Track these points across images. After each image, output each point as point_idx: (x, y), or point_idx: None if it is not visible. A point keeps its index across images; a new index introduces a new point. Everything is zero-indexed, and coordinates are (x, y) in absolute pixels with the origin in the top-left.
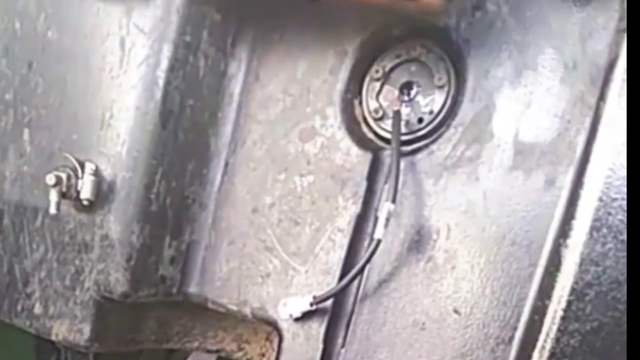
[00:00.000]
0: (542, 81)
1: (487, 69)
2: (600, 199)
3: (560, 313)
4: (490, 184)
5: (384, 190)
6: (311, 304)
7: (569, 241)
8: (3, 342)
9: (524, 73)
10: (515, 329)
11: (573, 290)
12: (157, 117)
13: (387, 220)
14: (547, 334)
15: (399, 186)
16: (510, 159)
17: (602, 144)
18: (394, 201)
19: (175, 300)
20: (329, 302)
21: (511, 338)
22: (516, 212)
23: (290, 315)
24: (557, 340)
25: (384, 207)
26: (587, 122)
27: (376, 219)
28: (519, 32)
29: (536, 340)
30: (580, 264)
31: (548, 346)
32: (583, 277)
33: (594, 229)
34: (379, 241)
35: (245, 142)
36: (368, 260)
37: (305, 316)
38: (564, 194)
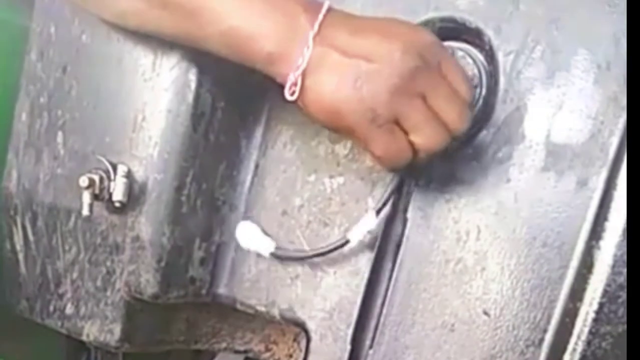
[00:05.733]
0: (575, 82)
1: (519, 70)
2: None
3: (592, 315)
4: (521, 185)
5: (414, 192)
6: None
7: (601, 243)
8: (33, 343)
9: (557, 74)
10: (545, 331)
11: (605, 293)
12: (188, 119)
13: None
14: (578, 337)
15: (429, 188)
16: (542, 161)
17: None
18: (378, 213)
19: (204, 302)
20: (357, 304)
21: (541, 340)
22: (547, 213)
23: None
24: (589, 343)
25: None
26: (621, 123)
27: (405, 220)
28: (551, 32)
29: (567, 343)
30: (613, 266)
31: (579, 349)
32: (615, 279)
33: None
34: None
35: (275, 144)
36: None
37: (332, 317)
38: (596, 196)
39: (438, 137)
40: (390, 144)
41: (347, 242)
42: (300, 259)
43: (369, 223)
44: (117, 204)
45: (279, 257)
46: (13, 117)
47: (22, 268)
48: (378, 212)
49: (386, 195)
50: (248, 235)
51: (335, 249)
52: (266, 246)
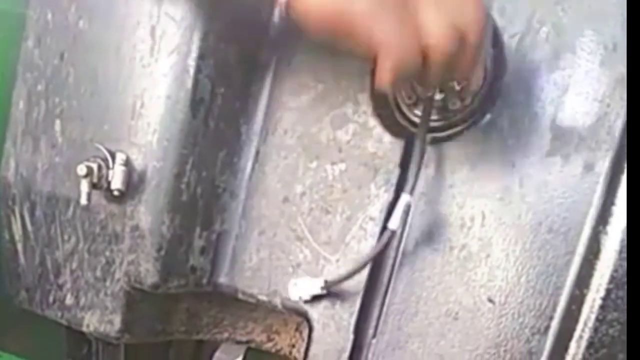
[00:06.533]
0: (581, 64)
1: (525, 52)
2: None
3: (598, 302)
4: (526, 170)
5: (418, 177)
6: (322, 288)
7: (608, 228)
8: (33, 334)
9: (562, 56)
10: (551, 318)
11: (612, 279)
12: (187, 105)
13: (405, 212)
14: (585, 324)
15: (433, 173)
16: (547, 144)
17: None
18: (411, 192)
19: (205, 291)
20: (359, 292)
21: (547, 328)
22: (553, 198)
23: (300, 298)
24: (596, 329)
25: (402, 198)
26: None
27: (408, 206)
28: (557, 14)
29: (573, 330)
30: (620, 252)
31: (586, 336)
32: (622, 265)
33: None
34: (393, 232)
35: (276, 130)
36: (381, 250)
37: (334, 305)
38: (603, 180)
39: (450, 35)
40: (398, 27)
41: (393, 233)
42: (354, 274)
43: (405, 205)
44: (116, 193)
45: (333, 285)
46: (10, 105)
47: (21, 258)
48: (411, 192)
49: (414, 176)
50: (298, 291)
51: (385, 246)
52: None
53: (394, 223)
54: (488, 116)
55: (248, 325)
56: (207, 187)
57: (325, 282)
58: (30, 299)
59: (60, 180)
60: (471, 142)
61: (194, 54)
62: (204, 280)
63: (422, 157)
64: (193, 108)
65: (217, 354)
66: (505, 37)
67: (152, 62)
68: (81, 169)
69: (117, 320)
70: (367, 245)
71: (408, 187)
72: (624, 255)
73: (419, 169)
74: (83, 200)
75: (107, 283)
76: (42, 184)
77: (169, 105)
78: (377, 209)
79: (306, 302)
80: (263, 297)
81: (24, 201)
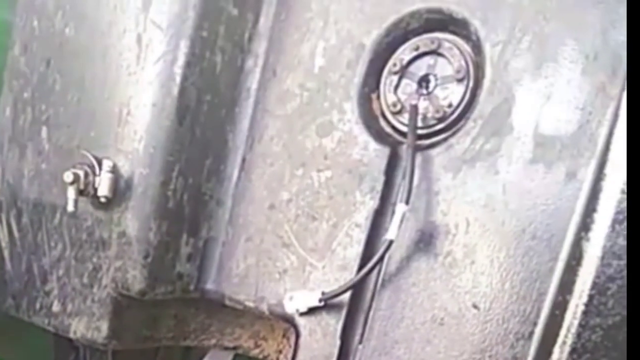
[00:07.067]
0: (563, 72)
1: (507, 61)
2: (623, 191)
3: (581, 308)
4: (510, 177)
5: (402, 185)
6: (320, 300)
7: (590, 234)
8: (21, 341)
9: (544, 65)
10: (535, 324)
11: (595, 285)
12: (173, 113)
13: (401, 221)
14: (568, 329)
15: (417, 181)
16: (530, 152)
17: (624, 136)
18: (407, 202)
19: (193, 298)
20: (346, 298)
21: (531, 333)
22: (536, 205)
23: (297, 310)
24: (579, 335)
25: (398, 208)
26: (609, 113)
27: (394, 214)
28: (539, 23)
29: (557, 335)
30: (602, 258)
31: (569, 341)
32: (605, 271)
33: (616, 221)
34: (390, 242)
35: (262, 138)
36: (379, 261)
37: (318, 312)
38: (586, 187)
39: None
40: None
41: (391, 242)
42: (352, 287)
43: (402, 215)
44: (103, 199)
45: (331, 298)
46: None
47: (8, 265)
48: (407, 201)
49: (407, 185)
50: (295, 304)
51: (383, 255)
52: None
53: (392, 233)
54: (471, 124)
55: (235, 332)
56: (194, 194)
57: (323, 293)
58: (17, 306)
59: (47, 187)
60: (455, 150)
61: (180, 61)
62: (191, 287)
63: (413, 167)
64: (179, 115)
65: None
66: (488, 46)
67: (139, 70)
68: (68, 176)
69: (105, 326)
70: (353, 252)
71: (403, 196)
72: (606, 261)
73: (411, 178)
74: (70, 207)
75: (94, 290)
76: (28, 191)
77: (155, 113)
78: (362, 216)
79: (314, 316)
80: (250, 304)
81: (11, 208)
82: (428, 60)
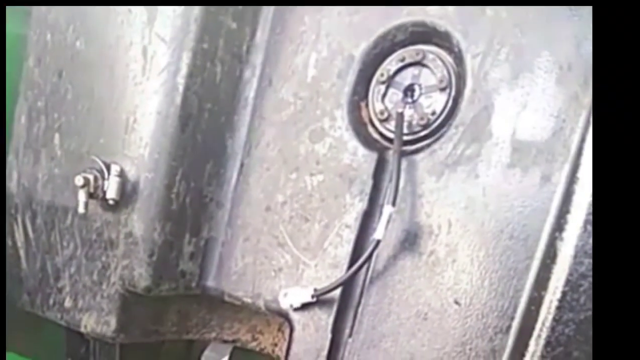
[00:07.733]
0: (538, 82)
1: (486, 71)
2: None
3: (555, 303)
4: (489, 181)
5: (389, 187)
6: (312, 297)
7: (564, 234)
8: (36, 335)
9: (521, 75)
10: (512, 318)
11: (568, 282)
12: (177, 120)
13: (388, 222)
14: (543, 324)
15: (403, 184)
16: (508, 157)
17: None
18: (394, 204)
19: (194, 294)
20: (337, 295)
21: (509, 327)
22: (514, 207)
23: (291, 305)
24: (553, 329)
25: (385, 210)
26: (582, 121)
27: (381, 215)
28: (516, 35)
29: (532, 329)
30: (575, 256)
31: (544, 335)
32: (577, 269)
33: (588, 222)
34: (378, 241)
35: (259, 144)
36: (367, 259)
37: (311, 307)
38: (559, 190)
39: None
40: None
41: (378, 242)
42: (342, 284)
43: (388, 216)
44: (111, 202)
45: (322, 294)
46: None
47: (24, 264)
48: (394, 203)
49: (394, 188)
50: (289, 300)
51: (371, 254)
52: (306, 294)
53: (379, 233)
54: (453, 130)
55: (234, 326)
56: (196, 196)
57: (315, 290)
58: (32, 302)
59: (60, 190)
60: (438, 155)
61: (183, 72)
62: (193, 284)
63: (399, 171)
64: (182, 123)
65: (206, 352)
66: (469, 57)
67: (144, 80)
68: (79, 180)
69: (113, 321)
70: (343, 251)
71: (390, 198)
72: (579, 259)
73: (398, 182)
74: (80, 209)
75: (103, 286)
76: (42, 194)
77: (160, 121)
78: (352, 217)
79: (307, 311)
80: (248, 300)
81: (26, 210)
82: (413, 70)
